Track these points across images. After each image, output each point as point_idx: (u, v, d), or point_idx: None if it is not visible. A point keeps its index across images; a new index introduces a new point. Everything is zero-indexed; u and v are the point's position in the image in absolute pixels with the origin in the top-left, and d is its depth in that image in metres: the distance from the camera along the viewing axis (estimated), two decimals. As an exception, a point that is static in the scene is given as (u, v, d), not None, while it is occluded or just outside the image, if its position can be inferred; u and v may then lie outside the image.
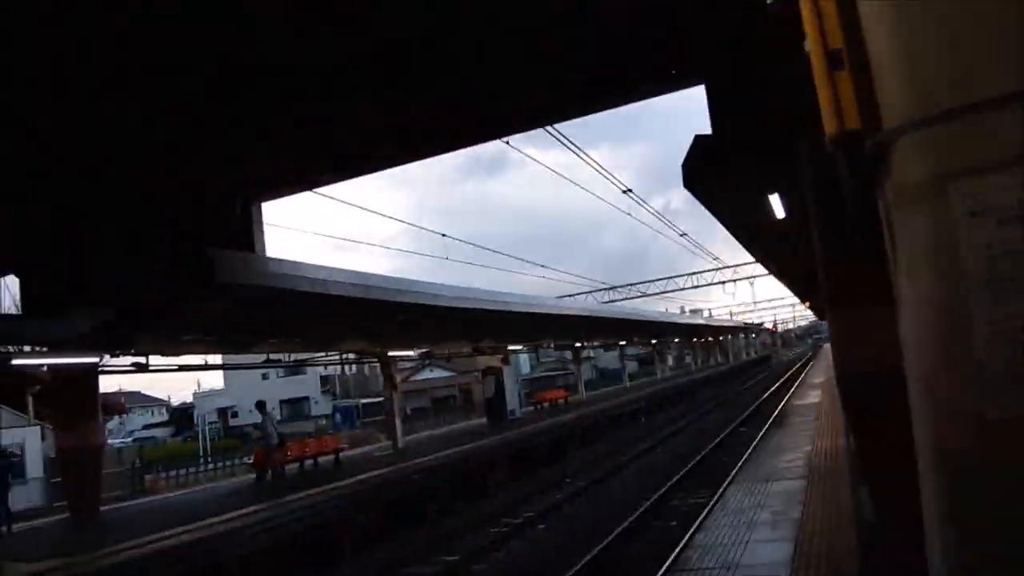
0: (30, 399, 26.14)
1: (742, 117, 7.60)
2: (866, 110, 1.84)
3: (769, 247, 16.55)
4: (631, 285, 57.01)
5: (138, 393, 64.21)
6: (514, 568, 11.89)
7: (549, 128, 11.31)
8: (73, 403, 15.60)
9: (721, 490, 13.23)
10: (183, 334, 15.98)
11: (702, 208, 10.02)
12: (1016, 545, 1.49)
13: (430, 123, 10.89)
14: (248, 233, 12.72)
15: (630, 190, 17.60)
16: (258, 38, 7.82)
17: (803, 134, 6.13)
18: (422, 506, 16.49)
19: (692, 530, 10.78)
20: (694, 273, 55.12)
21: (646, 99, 10.87)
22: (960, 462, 1.59)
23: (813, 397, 23.96)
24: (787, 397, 28.63)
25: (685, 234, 30.89)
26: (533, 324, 29.20)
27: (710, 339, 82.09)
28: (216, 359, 21.46)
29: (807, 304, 45.78)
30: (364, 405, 55.43)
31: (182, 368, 18.41)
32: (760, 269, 44.09)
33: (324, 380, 63.89)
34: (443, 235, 19.72)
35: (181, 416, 64.76)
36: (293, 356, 24.18)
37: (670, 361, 76.15)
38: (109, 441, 36.31)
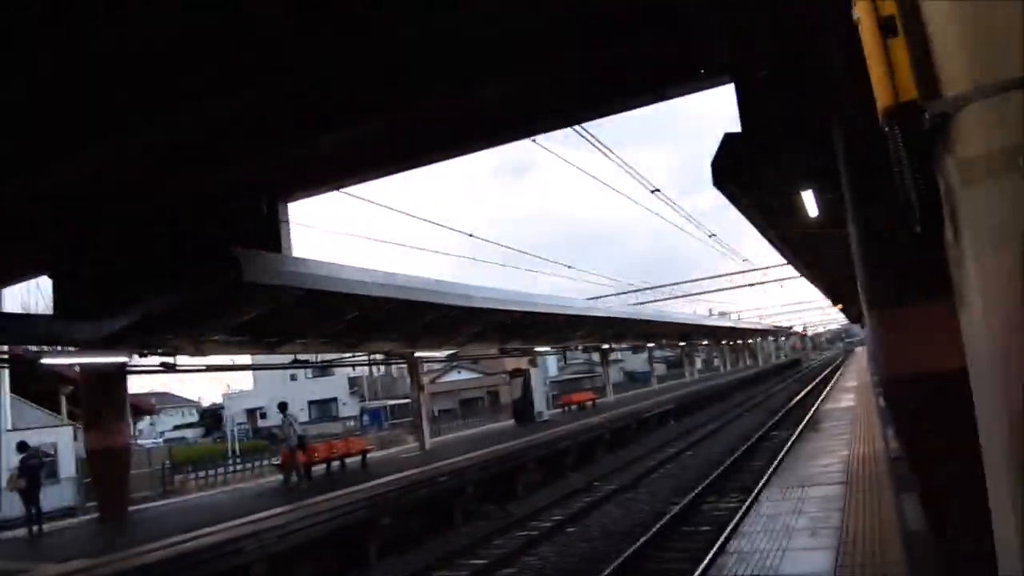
0: (63, 399, 26.34)
1: (773, 113, 7.40)
2: (924, 79, 1.67)
3: (801, 247, 16.25)
4: (660, 287, 56.60)
5: (168, 394, 64.92)
6: (542, 572, 11.70)
7: (578, 128, 11.16)
8: (101, 403, 15.69)
9: (754, 495, 13.00)
10: (211, 334, 16.04)
11: (731, 212, 9.83)
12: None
13: (457, 124, 10.81)
14: (275, 233, 12.74)
15: (658, 190, 17.35)
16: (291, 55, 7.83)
17: (839, 119, 5.91)
18: (449, 509, 16.37)
19: (726, 535, 10.60)
20: (723, 275, 54.57)
21: (673, 98, 10.73)
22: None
23: (846, 401, 23.49)
24: (819, 401, 28.14)
25: (714, 235, 30.49)
26: (561, 326, 29.06)
27: (739, 342, 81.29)
28: (244, 360, 21.52)
29: (839, 306, 45.10)
30: (392, 407, 55.55)
31: (209, 368, 18.47)
32: (790, 271, 43.51)
33: (352, 381, 64.11)
34: (470, 235, 19.54)
35: (211, 417, 65.37)
36: (320, 357, 24.22)
37: (699, 364, 75.54)
38: (140, 442, 36.73)
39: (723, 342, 73.89)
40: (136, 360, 15.68)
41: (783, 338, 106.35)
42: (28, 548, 12.76)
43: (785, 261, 24.47)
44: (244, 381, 65.46)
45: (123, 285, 13.11)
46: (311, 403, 61.29)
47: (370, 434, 41.31)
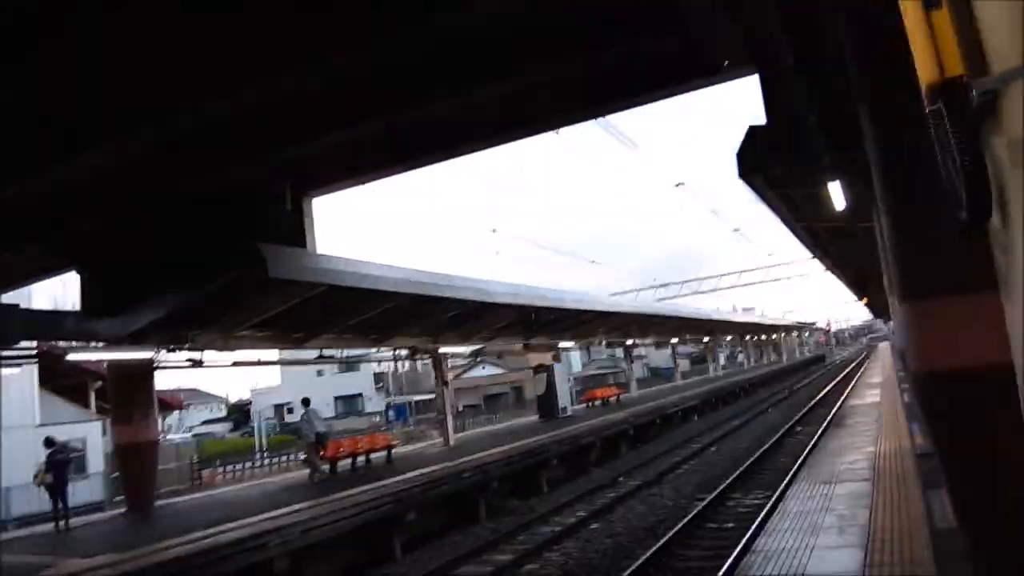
0: (92, 394, 26.69)
1: (798, 103, 7.27)
2: (970, 54, 1.57)
3: (826, 240, 16.06)
4: (683, 282, 56.33)
5: (197, 390, 65.55)
6: (566, 569, 11.63)
7: (602, 121, 11.08)
8: (129, 398, 15.85)
9: (780, 491, 12.84)
10: (236, 330, 16.12)
11: (756, 207, 9.69)
12: None
13: (481, 117, 10.76)
14: (299, 229, 12.75)
15: (682, 183, 17.19)
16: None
17: (869, 107, 5.75)
18: (474, 504, 16.35)
19: (751, 532, 10.47)
20: (747, 271, 54.18)
21: (695, 90, 10.60)
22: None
23: (871, 397, 23.18)
24: (844, 397, 27.81)
25: (738, 229, 30.22)
26: (584, 321, 28.97)
27: (763, 337, 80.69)
28: (270, 355, 21.60)
29: (864, 300, 44.58)
30: (416, 402, 55.71)
31: (236, 364, 18.56)
32: (814, 267, 43.11)
33: (378, 377, 64.36)
34: (493, 230, 19.50)
35: (239, 412, 65.97)
36: (346, 352, 24.32)
37: (723, 359, 75.07)
38: (169, 436, 37.13)
39: (747, 338, 73.37)
40: (163, 356, 15.79)
41: (806, 333, 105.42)
42: (54, 543, 12.87)
43: (809, 255, 24.24)
44: (272, 377, 65.93)
45: (149, 281, 13.20)
46: (337, 398, 61.62)
47: (395, 429, 41.50)
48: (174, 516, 14.87)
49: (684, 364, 70.75)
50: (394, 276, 15.06)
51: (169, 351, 15.47)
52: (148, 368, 15.84)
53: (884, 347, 68.95)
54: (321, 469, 18.36)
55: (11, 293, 15.48)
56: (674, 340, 48.50)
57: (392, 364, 54.32)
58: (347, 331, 19.66)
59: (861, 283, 31.57)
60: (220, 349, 16.35)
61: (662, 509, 15.32)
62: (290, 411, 58.49)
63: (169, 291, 13.14)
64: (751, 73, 8.44)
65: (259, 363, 20.18)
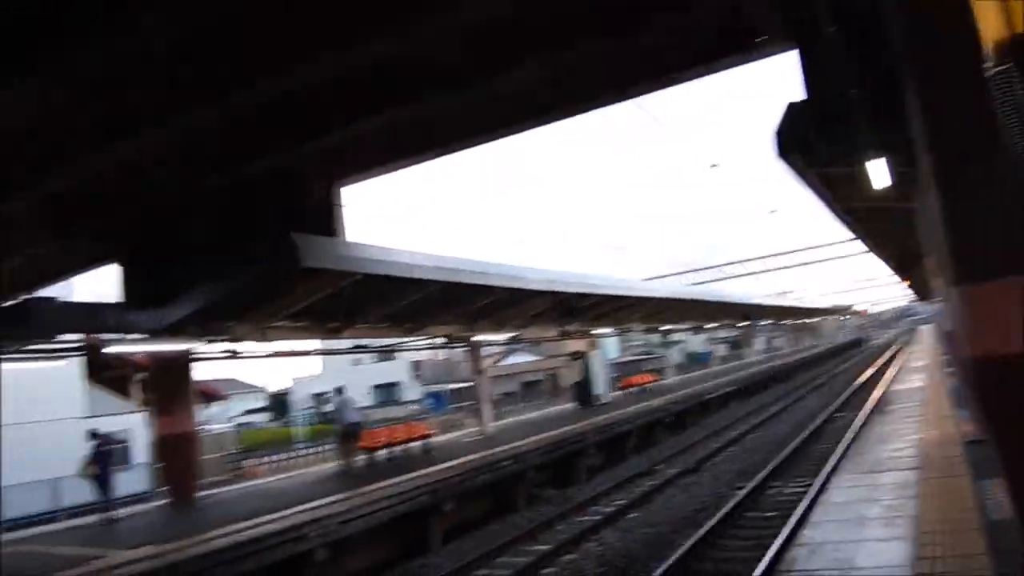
0: (135, 386, 27.07)
1: (839, 79, 7.03)
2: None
3: (868, 220, 15.66)
4: (719, 266, 55.73)
5: (238, 381, 66.42)
6: (604, 559, 11.52)
7: (636, 102, 10.87)
8: (169, 390, 16.02)
9: (823, 480, 12.60)
10: (272, 321, 16.19)
11: (794, 187, 9.44)
12: None
13: (515, 100, 10.62)
14: (330, 218, 12.75)
15: (716, 165, 16.83)
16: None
17: (915, 74, 5.50)
18: (511, 493, 16.32)
19: (795, 522, 10.26)
20: (783, 253, 53.44)
21: (731, 68, 10.34)
22: None
23: (914, 382, 22.69)
24: (886, 382, 27.30)
25: (774, 211, 29.70)
26: (620, 307, 28.74)
27: (801, 321, 79.64)
28: (306, 345, 21.71)
29: (908, 283, 43.65)
30: (453, 390, 55.86)
31: (274, 355, 18.67)
32: (852, 248, 42.33)
33: (415, 365, 64.64)
34: (523, 218, 19.31)
35: (279, 402, 66.70)
36: (382, 341, 24.36)
37: (760, 344, 74.21)
38: (210, 427, 37.65)
39: (784, 322, 72.44)
40: (201, 347, 15.91)
41: (845, 317, 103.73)
42: (100, 534, 13.07)
43: (849, 237, 23.74)
44: (312, 367, 66.52)
45: (186, 274, 13.28)
46: (375, 387, 62.04)
47: (432, 418, 41.67)
48: (216, 507, 15.03)
49: (721, 349, 70.15)
50: (427, 264, 15.01)
51: (207, 342, 15.57)
52: (186, 360, 15.99)
53: (925, 330, 67.65)
54: (352, 459, 18.37)
55: (55, 286, 15.68)
56: (711, 325, 48.03)
57: (429, 352, 54.77)
58: (382, 320, 19.68)
59: (902, 265, 30.89)
60: (257, 340, 16.43)
61: (702, 498, 15.15)
62: (328, 400, 59.00)
63: (205, 283, 13.21)
64: (789, 49, 8.21)
65: (295, 353, 20.30)
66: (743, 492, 14.21)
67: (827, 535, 7.17)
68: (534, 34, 8.77)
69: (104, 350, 15.27)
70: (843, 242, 44.84)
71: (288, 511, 12.35)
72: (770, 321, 66.20)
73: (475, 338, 23.81)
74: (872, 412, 18.56)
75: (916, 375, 25.40)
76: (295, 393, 62.86)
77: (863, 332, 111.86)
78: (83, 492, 15.72)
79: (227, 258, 12.59)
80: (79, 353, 18.67)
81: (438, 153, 12.33)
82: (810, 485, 13.48)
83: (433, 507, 13.85)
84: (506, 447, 18.41)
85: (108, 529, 13.52)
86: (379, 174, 13.05)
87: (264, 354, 18.23)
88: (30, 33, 6.67)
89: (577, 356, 32.10)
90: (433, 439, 21.97)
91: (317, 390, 62.06)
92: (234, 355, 16.68)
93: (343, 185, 12.98)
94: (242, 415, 60.01)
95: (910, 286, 46.94)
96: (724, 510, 12.84)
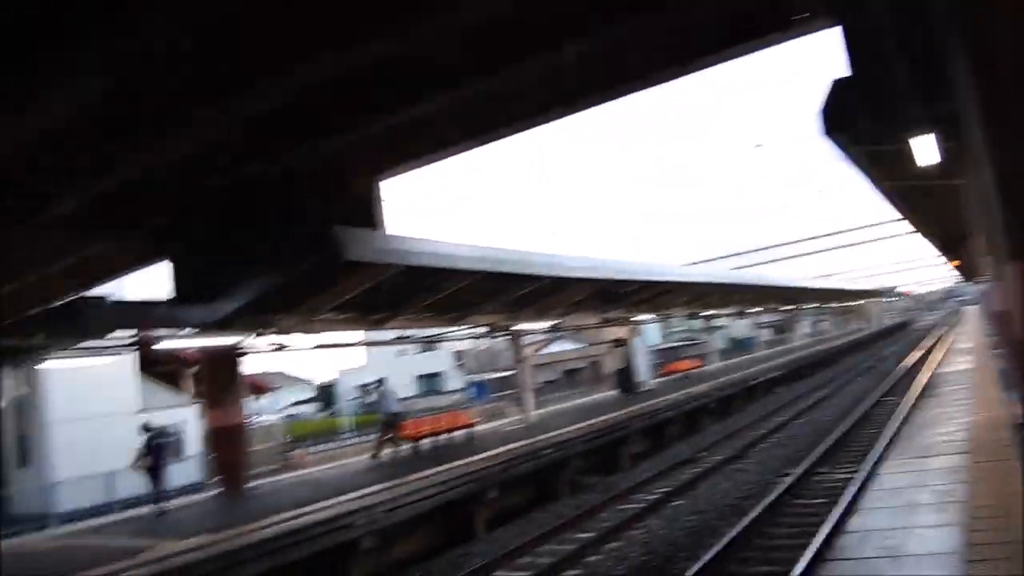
0: (187, 380, 27.66)
1: (885, 54, 6.89)
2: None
3: (913, 199, 15.33)
4: (763, 249, 55.02)
5: (284, 373, 67.45)
6: (649, 547, 11.52)
7: (676, 85, 10.74)
8: (219, 383, 16.35)
9: (871, 465, 12.41)
10: (316, 314, 16.41)
11: (839, 167, 9.28)
12: None
13: (556, 83, 10.56)
14: (371, 210, 12.85)
15: (761, 145, 16.57)
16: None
17: (967, 45, 5.36)
18: (554, 481, 16.37)
19: (843, 509, 10.13)
20: (828, 235, 52.57)
21: (771, 47, 10.15)
22: None
23: (961, 364, 22.21)
24: (933, 364, 26.78)
25: (820, 191, 29.15)
26: (662, 293, 28.58)
27: (845, 304, 78.37)
28: (351, 337, 21.98)
29: (954, 263, 42.65)
30: (495, 379, 56.07)
31: (319, 347, 18.94)
32: (898, 228, 41.44)
33: (457, 355, 65.00)
34: (562, 203, 19.21)
35: (326, 393, 67.61)
36: (424, 332, 24.55)
37: (805, 328, 73.16)
38: (260, 418, 38.32)
39: (829, 305, 71.33)
40: (249, 341, 16.19)
41: (891, 299, 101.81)
42: (152, 525, 13.40)
43: (895, 217, 23.27)
44: (357, 358, 67.22)
45: (233, 269, 13.51)
46: (418, 377, 62.55)
47: (475, 407, 41.88)
48: (265, 496, 15.31)
49: (766, 334, 69.31)
50: (468, 254, 15.08)
51: (255, 336, 15.85)
52: (235, 353, 16.29)
53: (971, 311, 66.05)
54: (387, 450, 18.52)
55: (107, 285, 16.03)
56: (755, 309, 47.53)
57: (471, 342, 55.06)
58: (424, 311, 19.84)
59: (948, 244, 30.21)
60: (302, 333, 16.68)
61: (747, 485, 15.06)
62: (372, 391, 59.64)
63: (252, 278, 13.43)
64: (830, 25, 8.06)
65: (339, 345, 20.57)
66: (790, 479, 14.09)
67: (877, 522, 7.08)
68: (568, 19, 8.70)
69: (156, 346, 15.64)
70: (889, 222, 43.97)
71: (335, 500, 12.56)
72: (815, 304, 65.28)
73: (516, 327, 23.87)
74: (920, 395, 18.24)
75: (963, 357, 24.89)
76: (341, 384, 63.64)
77: (909, 314, 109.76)
78: (137, 484, 16.12)
79: (272, 253, 12.79)
80: (132, 349, 19.19)
81: (481, 141, 12.33)
82: (858, 471, 13.30)
83: (477, 495, 13.96)
84: (548, 435, 18.48)
85: (160, 520, 13.86)
86: (418, 166, 13.10)
87: (310, 346, 18.51)
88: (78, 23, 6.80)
89: (619, 343, 32.00)
90: (476, 428, 22.09)
91: (362, 381, 62.76)
92: (281, 348, 16.98)
93: (383, 179, 13.06)
94: (290, 406, 60.94)
95: (956, 267, 45.85)
96: (770, 497, 12.75)
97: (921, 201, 15.54)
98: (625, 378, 31.52)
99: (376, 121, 10.54)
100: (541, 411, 27.60)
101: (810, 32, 9.18)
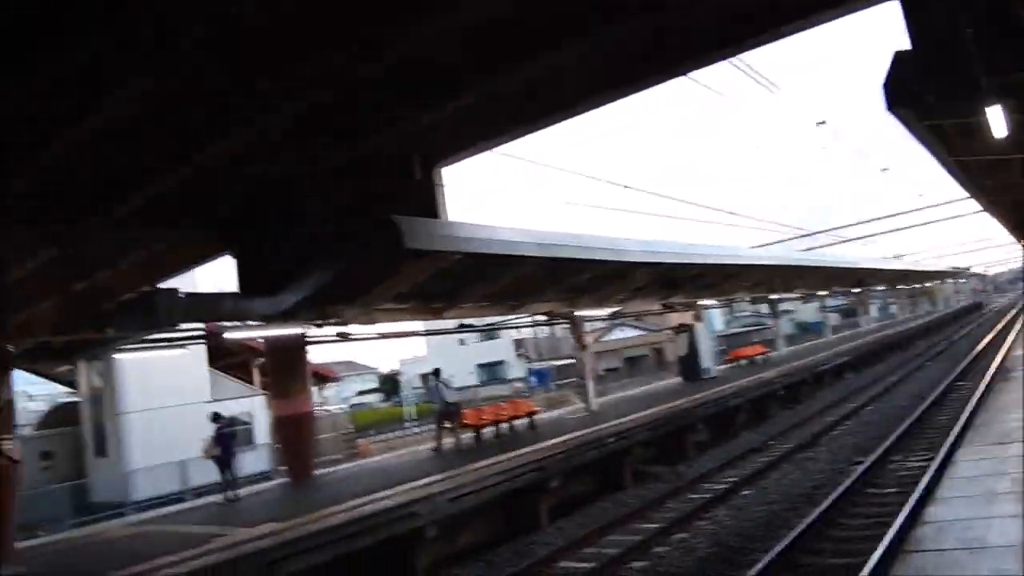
0: (255, 370, 28.25)
1: (949, 24, 6.57)
2: None
3: (982, 175, 14.73)
4: (829, 231, 53.63)
5: (351, 362, 68.58)
6: (717, 538, 11.32)
7: (734, 61, 10.46)
8: (285, 373, 16.61)
9: (946, 453, 11.99)
10: (378, 303, 16.53)
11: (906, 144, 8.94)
12: None
13: (605, 66, 10.38)
14: (431, 198, 12.87)
15: (824, 122, 16.04)
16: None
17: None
18: (618, 470, 16.23)
19: (916, 500, 9.79)
20: (895, 215, 50.95)
21: (826, 23, 9.81)
22: None
23: (1037, 347, 21.31)
24: (1007, 347, 25.74)
25: (886, 169, 28.19)
26: (726, 276, 28.10)
27: (915, 286, 76.07)
28: (412, 326, 22.14)
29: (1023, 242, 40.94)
30: (557, 367, 56.01)
31: (382, 336, 19.11)
32: (967, 208, 39.87)
33: (518, 343, 65.16)
34: (625, 187, 18.93)
35: (389, 383, 68.55)
36: (485, 320, 24.58)
37: (874, 311, 71.18)
38: (326, 407, 38.99)
39: (898, 287, 69.29)
40: (313, 331, 16.40)
41: (962, 280, 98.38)
42: (222, 513, 13.70)
43: (962, 195, 22.42)
44: (419, 348, 67.97)
45: (296, 261, 13.69)
46: (479, 366, 62.91)
47: (537, 395, 41.89)
48: (332, 485, 15.52)
49: (833, 318, 67.68)
50: (528, 240, 14.99)
51: (318, 326, 16.05)
52: (300, 343, 16.52)
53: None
54: (448, 439, 18.57)
55: (177, 278, 16.41)
56: (822, 292, 46.40)
57: (531, 330, 55.06)
58: (484, 299, 19.85)
59: (1020, 222, 29.02)
60: (364, 323, 16.83)
61: (818, 474, 14.72)
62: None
63: (314, 269, 13.57)
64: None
65: (400, 334, 20.73)
66: (862, 467, 13.70)
67: (955, 512, 6.80)
68: (609, 6, 8.52)
69: (224, 336, 15.98)
70: (958, 200, 42.41)
71: (399, 489, 12.64)
72: (884, 287, 63.53)
73: (577, 314, 23.71)
74: (994, 380, 17.56)
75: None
76: (404, 374, 64.43)
77: (978, 296, 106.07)
78: (208, 473, 16.50)
79: (333, 244, 12.91)
80: (202, 341, 19.66)
81: (538, 126, 12.23)
82: (933, 458, 12.86)
83: (540, 484, 13.90)
84: (611, 423, 18.32)
85: (231, 508, 14.15)
86: (477, 152, 13.07)
87: (372, 336, 18.69)
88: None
89: (682, 329, 31.55)
90: (538, 416, 22.04)
91: (424, 370, 63.40)
92: (344, 338, 17.16)
93: (443, 165, 13.06)
94: (355, 396, 61.90)
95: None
96: (842, 487, 12.41)
97: (988, 177, 14.95)
98: (689, 365, 31.04)
99: (434, 109, 10.53)
100: (603, 399, 27.41)
101: (868, 6, 8.86)
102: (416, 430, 34.21)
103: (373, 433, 34.12)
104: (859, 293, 57.93)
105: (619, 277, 21.36)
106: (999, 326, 44.05)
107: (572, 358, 32.49)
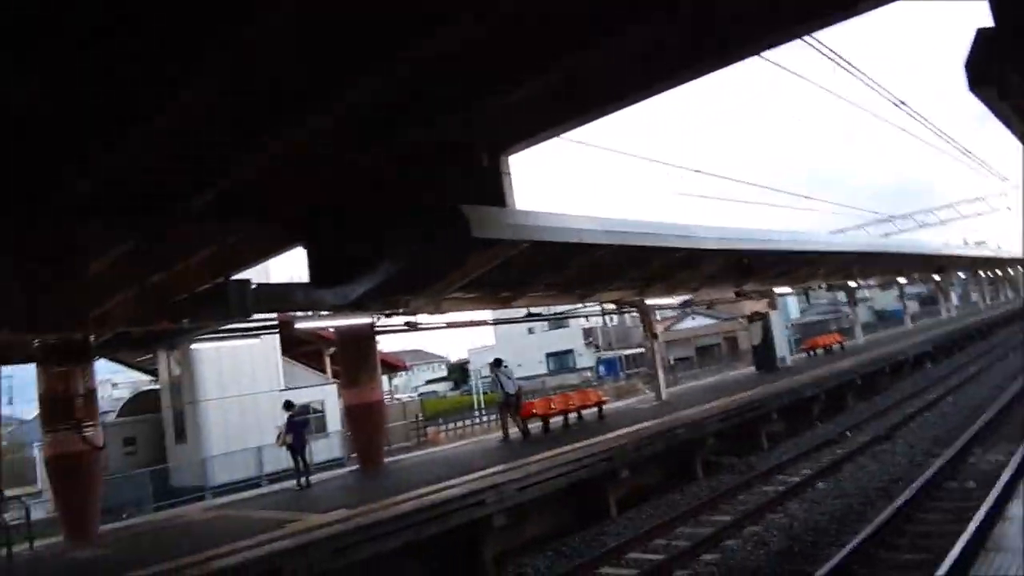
0: (327, 359, 28.79)
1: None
2: None
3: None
4: (909, 216, 51.84)
5: (421, 351, 69.34)
6: (791, 532, 11.03)
7: (809, 39, 10.05)
8: (355, 362, 16.81)
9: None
10: (446, 293, 16.59)
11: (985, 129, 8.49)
12: None
13: (676, 46, 10.11)
14: (497, 187, 12.78)
15: (904, 103, 15.37)
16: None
17: None
18: (689, 461, 15.99)
19: (998, 495, 9.37)
20: (979, 199, 48.94)
21: (894, 2, 9.33)
22: None
23: None
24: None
25: (968, 152, 27.05)
26: (802, 263, 27.39)
27: (999, 273, 72.94)
28: (480, 315, 22.19)
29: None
30: (626, 356, 55.61)
31: (448, 326, 19.21)
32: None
33: (587, 332, 64.91)
34: (696, 171, 18.55)
35: (458, 372, 69.11)
36: (552, 309, 24.51)
37: (955, 299, 68.56)
38: (396, 396, 39.54)
39: (981, 273, 66.54)
40: (382, 321, 16.57)
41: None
42: (295, 499, 13.97)
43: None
44: (487, 336, 68.32)
45: (365, 251, 13.81)
46: (548, 355, 62.87)
47: (606, 384, 41.66)
48: (401, 472, 15.69)
49: (912, 305, 65.49)
50: (596, 228, 14.82)
51: (386, 316, 16.20)
52: (370, 333, 16.71)
53: None
54: (511, 431, 18.56)
55: (250, 270, 16.76)
56: (901, 280, 44.90)
57: (600, 319, 54.79)
58: (552, 287, 19.74)
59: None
60: (431, 312, 16.92)
61: (895, 467, 14.26)
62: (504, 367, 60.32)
63: (382, 259, 13.68)
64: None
65: (467, 324, 20.79)
66: (941, 460, 13.20)
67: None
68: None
69: (296, 326, 16.28)
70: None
71: (467, 477, 12.68)
72: (966, 273, 61.17)
73: (647, 302, 23.42)
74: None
75: None
76: (473, 363, 64.85)
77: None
78: (281, 459, 16.87)
79: (401, 234, 12.97)
80: (275, 330, 20.08)
81: (607, 110, 12.00)
82: (1015, 452, 12.30)
83: (609, 475, 13.78)
84: (682, 413, 18.06)
85: (303, 494, 14.44)
86: (546, 138, 12.90)
87: (439, 325, 18.81)
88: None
89: (756, 317, 30.88)
90: (606, 406, 21.87)
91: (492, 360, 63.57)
92: (412, 327, 17.30)
93: (510, 153, 12.96)
94: (424, 384, 62.58)
95: None
96: (920, 480, 12.00)
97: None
98: (763, 354, 30.41)
99: (501, 94, 10.42)
100: (674, 389, 27.07)
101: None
102: (485, 419, 34.34)
103: (442, 421, 34.35)
104: (939, 280, 55.88)
105: (691, 265, 20.99)
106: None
107: (642, 347, 32.16)
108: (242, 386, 23.97)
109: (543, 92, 10.45)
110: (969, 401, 20.87)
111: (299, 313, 15.18)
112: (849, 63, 11.87)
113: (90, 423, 11.93)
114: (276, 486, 17.05)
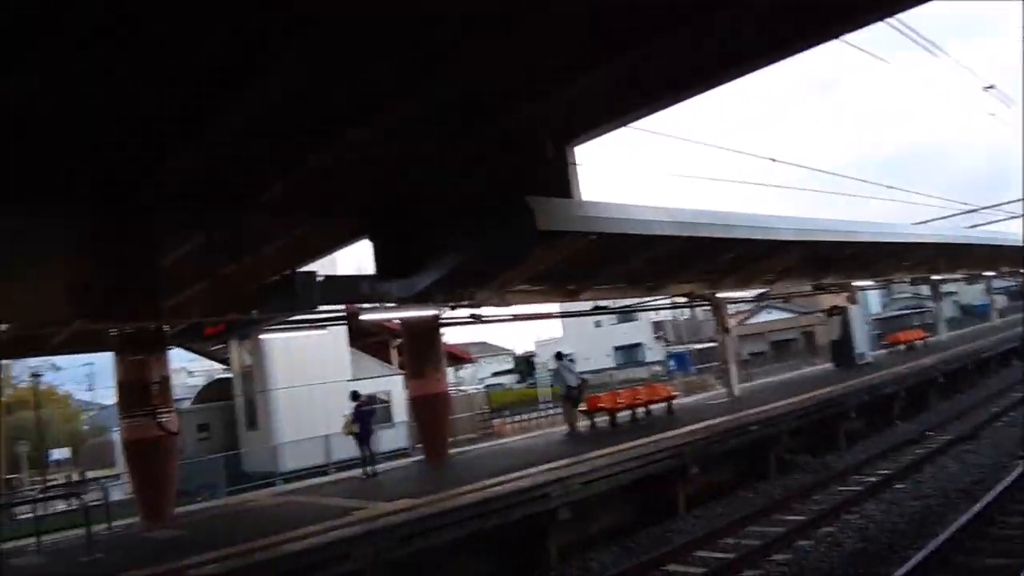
0: (394, 351, 29.01)
1: None
2: None
3: None
4: (997, 206, 49.52)
5: (487, 344, 69.64)
6: (866, 534, 10.55)
7: (892, 22, 9.58)
8: (420, 354, 16.83)
9: None
10: (512, 285, 16.47)
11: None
12: None
13: (753, 31, 9.77)
14: (564, 178, 12.62)
15: (992, 86, 14.66)
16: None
17: None
18: (762, 459, 15.51)
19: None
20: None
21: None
22: None
23: None
24: None
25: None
26: (883, 255, 26.42)
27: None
28: (546, 308, 22.02)
29: None
30: (697, 351, 54.70)
31: (514, 318, 19.05)
32: None
33: (656, 326, 64.11)
34: (772, 159, 17.94)
35: (524, 364, 69.09)
36: (621, 302, 24.13)
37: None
38: (462, 388, 39.68)
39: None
40: (448, 313, 16.53)
41: None
42: (361, 487, 14.04)
43: None
44: (554, 329, 68.15)
45: (431, 244, 13.81)
46: (616, 349, 62.34)
47: (675, 379, 41.01)
48: (466, 463, 15.64)
49: (1000, 300, 62.70)
50: (665, 219, 14.48)
51: (452, 308, 16.15)
52: (435, 325, 16.69)
53: None
54: (576, 425, 18.32)
55: (318, 262, 16.93)
56: (988, 273, 42.92)
57: (671, 312, 53.98)
58: (620, 280, 19.43)
59: None
60: (497, 304, 16.80)
61: (978, 468, 13.63)
62: (570, 362, 60.08)
63: (448, 251, 13.63)
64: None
65: (533, 316, 20.61)
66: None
67: None
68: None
69: (363, 317, 16.37)
70: None
71: (533, 470, 12.51)
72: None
73: (719, 295, 22.87)
74: None
75: None
76: (539, 355, 64.79)
77: None
78: (348, 448, 17.01)
79: (466, 226, 12.90)
80: (342, 321, 20.25)
81: (674, 100, 11.73)
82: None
83: (678, 471, 13.44)
84: (755, 410, 17.52)
85: (369, 482, 14.52)
86: (611, 129, 12.70)
87: (505, 318, 18.67)
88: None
89: (834, 312, 29.88)
90: (676, 401, 21.43)
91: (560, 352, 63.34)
92: (477, 319, 17.22)
93: (575, 144, 12.76)
94: (491, 376, 62.74)
95: None
96: (1005, 482, 11.42)
97: None
98: (841, 350, 29.43)
99: (566, 86, 10.25)
100: (747, 384, 26.40)
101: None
102: (551, 411, 34.17)
103: (508, 414, 34.31)
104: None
105: (765, 257, 20.41)
106: None
107: (714, 341, 31.48)
108: (310, 375, 24.33)
109: (611, 82, 10.25)
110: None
111: (365, 304, 15.23)
112: (936, 46, 11.29)
113: (165, 409, 12.19)
114: (343, 474, 17.20)
